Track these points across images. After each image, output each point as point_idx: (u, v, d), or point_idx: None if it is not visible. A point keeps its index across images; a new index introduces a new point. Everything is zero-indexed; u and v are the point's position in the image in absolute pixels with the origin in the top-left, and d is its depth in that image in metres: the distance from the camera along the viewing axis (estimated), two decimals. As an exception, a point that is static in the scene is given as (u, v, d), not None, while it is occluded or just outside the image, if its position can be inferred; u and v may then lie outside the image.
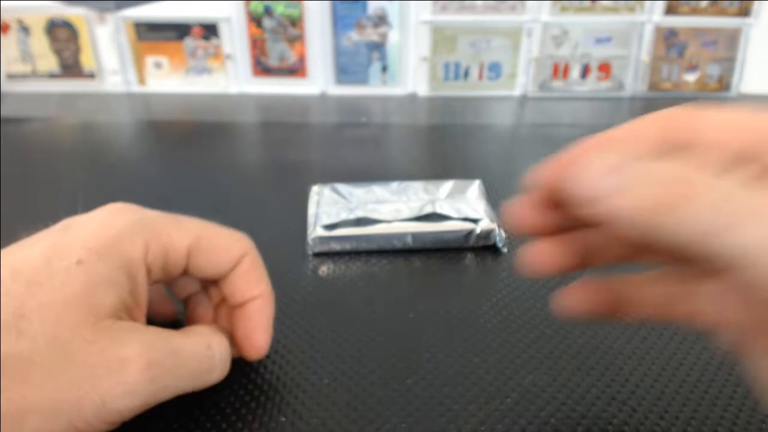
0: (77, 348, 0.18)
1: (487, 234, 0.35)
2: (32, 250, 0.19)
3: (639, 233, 0.15)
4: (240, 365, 0.26)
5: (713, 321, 0.18)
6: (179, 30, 0.76)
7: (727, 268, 0.13)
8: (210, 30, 0.76)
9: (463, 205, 0.37)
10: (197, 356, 0.21)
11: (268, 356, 0.27)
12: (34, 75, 0.75)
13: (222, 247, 0.23)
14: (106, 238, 0.20)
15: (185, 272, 0.23)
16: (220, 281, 0.24)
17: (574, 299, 0.20)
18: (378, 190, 0.39)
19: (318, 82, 0.78)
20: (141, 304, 0.21)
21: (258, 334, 0.24)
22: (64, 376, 0.18)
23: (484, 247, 0.36)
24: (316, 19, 0.74)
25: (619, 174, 0.15)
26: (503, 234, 0.36)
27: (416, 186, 0.40)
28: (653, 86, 0.78)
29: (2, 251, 0.20)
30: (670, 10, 0.73)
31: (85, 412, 0.18)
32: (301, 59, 0.77)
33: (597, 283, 0.20)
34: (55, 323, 0.18)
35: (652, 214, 0.14)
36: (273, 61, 0.77)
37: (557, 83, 0.78)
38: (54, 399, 0.17)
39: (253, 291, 0.24)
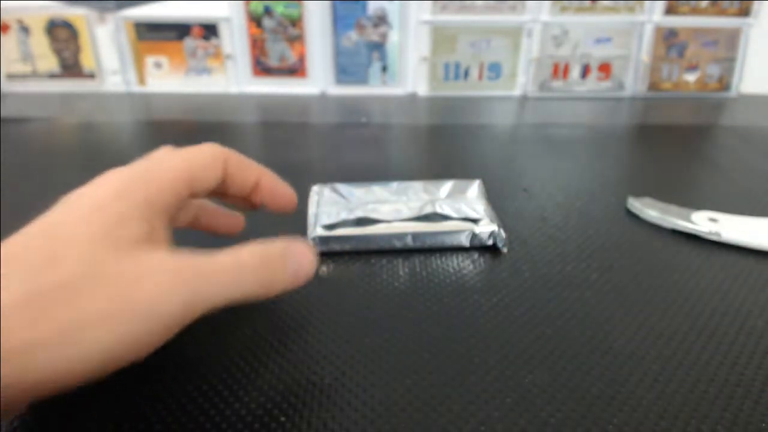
0: (111, 269, 0.20)
1: (487, 234, 0.35)
2: (52, 213, 0.23)
3: None
4: (240, 365, 0.26)
5: None
6: (179, 30, 0.76)
7: None
8: (210, 30, 0.76)
9: (463, 206, 0.37)
10: (241, 264, 0.23)
11: (267, 356, 0.27)
12: (34, 75, 0.75)
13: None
14: (120, 185, 0.23)
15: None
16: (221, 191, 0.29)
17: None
18: (378, 190, 0.39)
19: (318, 82, 0.78)
20: (165, 235, 0.24)
21: (281, 188, 0.30)
22: (107, 288, 0.20)
23: (484, 247, 0.36)
24: (316, 19, 0.74)
25: None
26: (503, 234, 0.36)
27: (416, 186, 0.40)
28: (653, 86, 0.78)
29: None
30: (670, 10, 0.73)
31: (137, 316, 0.20)
32: (301, 59, 0.77)
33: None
34: (87, 253, 0.20)
35: None
36: (273, 61, 0.77)
37: (557, 83, 0.78)
38: (103, 310, 0.19)
39: (254, 172, 0.29)
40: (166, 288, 0.20)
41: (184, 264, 0.22)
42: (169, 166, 0.25)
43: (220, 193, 0.29)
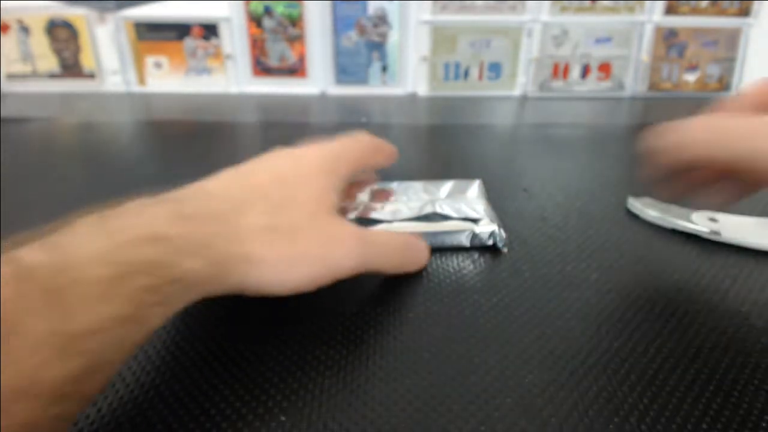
0: (323, 225, 0.27)
1: (487, 234, 0.35)
2: (283, 164, 0.29)
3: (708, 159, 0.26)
4: (240, 366, 0.26)
5: None
6: (179, 30, 0.76)
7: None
8: (210, 30, 0.76)
9: (463, 205, 0.37)
10: (393, 243, 0.31)
11: (267, 356, 0.27)
12: (34, 75, 0.75)
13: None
14: (329, 158, 0.30)
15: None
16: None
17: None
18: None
19: (318, 82, 0.78)
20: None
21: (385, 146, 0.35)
22: (317, 239, 0.27)
23: (484, 247, 0.36)
24: (316, 19, 0.74)
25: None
26: (503, 234, 0.36)
27: (416, 186, 0.40)
28: (653, 86, 0.78)
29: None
30: (670, 10, 0.73)
31: (330, 264, 0.27)
32: (301, 59, 0.77)
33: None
34: (311, 207, 0.27)
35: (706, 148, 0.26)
36: (273, 61, 0.77)
37: (557, 83, 0.78)
38: (312, 253, 0.26)
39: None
40: (351, 250, 0.27)
41: (361, 234, 0.29)
42: (355, 150, 0.32)
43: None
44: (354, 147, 0.32)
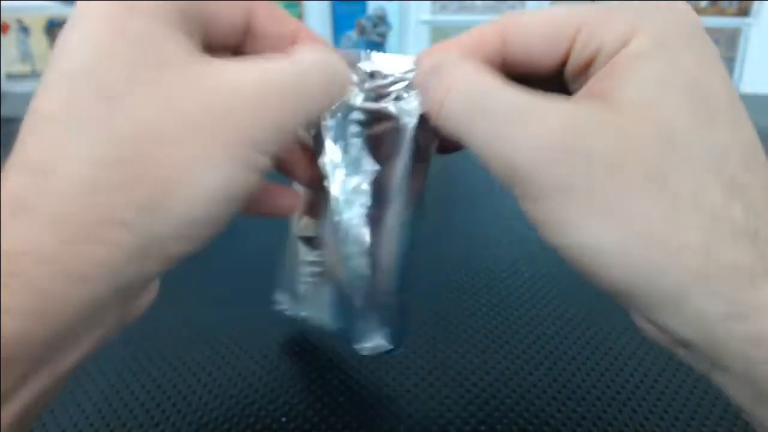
0: (186, 89, 0.15)
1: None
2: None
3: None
4: (240, 365, 0.26)
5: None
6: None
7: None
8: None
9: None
10: (311, 73, 0.17)
11: (267, 356, 0.27)
12: (34, 75, 0.75)
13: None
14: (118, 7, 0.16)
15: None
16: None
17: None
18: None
19: (318, 82, 0.78)
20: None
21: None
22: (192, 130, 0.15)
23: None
24: (316, 19, 0.74)
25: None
26: None
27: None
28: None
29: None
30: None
31: (242, 147, 0.15)
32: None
33: None
34: (138, 80, 0.15)
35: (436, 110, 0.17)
36: (273, 61, 0.77)
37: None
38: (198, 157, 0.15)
39: (290, 25, 0.20)
40: (258, 119, 0.16)
41: (265, 80, 0.16)
42: None
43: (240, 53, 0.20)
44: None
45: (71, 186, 0.14)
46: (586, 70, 0.17)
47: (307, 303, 0.25)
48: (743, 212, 0.14)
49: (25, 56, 0.75)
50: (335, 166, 0.21)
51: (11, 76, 0.76)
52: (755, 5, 0.72)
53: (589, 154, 0.14)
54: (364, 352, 0.22)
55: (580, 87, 0.17)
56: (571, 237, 0.15)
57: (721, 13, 0.73)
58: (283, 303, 0.26)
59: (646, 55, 0.15)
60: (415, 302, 0.30)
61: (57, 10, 0.73)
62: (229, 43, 0.19)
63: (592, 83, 0.16)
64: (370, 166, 0.21)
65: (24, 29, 0.74)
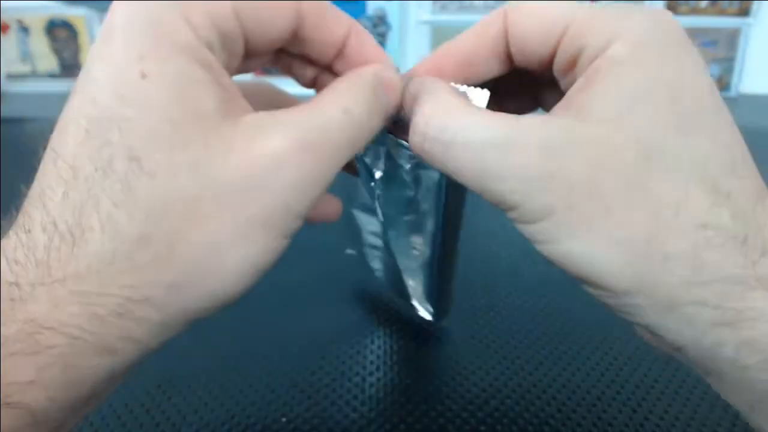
0: (216, 157, 0.14)
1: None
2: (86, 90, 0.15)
3: None
4: (239, 366, 0.26)
5: None
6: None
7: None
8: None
9: None
10: (339, 125, 0.16)
11: (266, 357, 0.27)
12: (34, 75, 0.75)
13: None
14: (146, 33, 0.15)
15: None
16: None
17: None
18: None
19: (318, 82, 0.78)
20: (236, 94, 0.16)
21: (374, 53, 0.19)
22: (230, 210, 0.15)
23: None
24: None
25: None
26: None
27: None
28: (653, 86, 0.78)
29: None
30: (670, 10, 0.73)
31: (276, 217, 0.15)
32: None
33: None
34: (170, 143, 0.14)
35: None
36: (273, 61, 0.77)
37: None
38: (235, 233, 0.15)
39: (343, 24, 0.18)
40: (295, 178, 0.15)
41: (308, 136, 0.15)
42: None
43: (286, 64, 0.20)
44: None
45: (101, 260, 0.13)
46: (571, 68, 0.16)
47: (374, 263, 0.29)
48: (731, 219, 0.14)
49: (25, 56, 0.75)
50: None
51: (11, 76, 0.76)
52: (755, 5, 0.72)
53: (566, 176, 0.14)
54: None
55: (567, 85, 0.17)
56: (563, 254, 0.15)
57: (721, 13, 0.73)
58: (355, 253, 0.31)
59: (624, 62, 0.15)
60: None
61: (57, 10, 0.73)
62: (273, 48, 0.18)
63: (571, 93, 0.16)
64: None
65: (24, 29, 0.74)
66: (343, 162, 0.16)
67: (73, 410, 0.14)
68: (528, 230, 0.16)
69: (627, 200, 0.14)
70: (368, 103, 0.17)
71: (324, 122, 0.16)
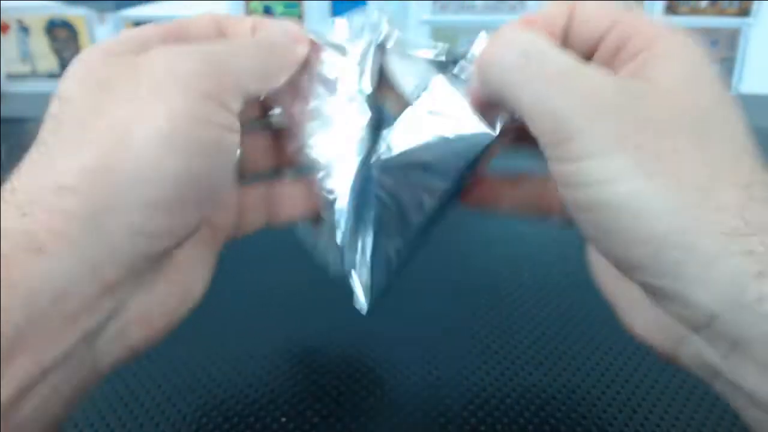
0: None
1: None
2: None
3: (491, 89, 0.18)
4: (239, 366, 0.26)
5: (560, 211, 0.22)
6: (179, 30, 0.75)
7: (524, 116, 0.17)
8: (210, 30, 0.76)
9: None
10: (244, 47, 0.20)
11: (266, 357, 0.27)
12: (34, 75, 0.75)
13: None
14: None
15: None
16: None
17: (473, 195, 0.24)
18: None
19: (318, 82, 0.78)
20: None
21: None
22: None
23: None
24: (316, 19, 0.74)
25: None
26: None
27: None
28: (653, 86, 0.77)
29: None
30: (670, 10, 0.73)
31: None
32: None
33: (485, 182, 0.24)
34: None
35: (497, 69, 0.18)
36: (273, 61, 0.77)
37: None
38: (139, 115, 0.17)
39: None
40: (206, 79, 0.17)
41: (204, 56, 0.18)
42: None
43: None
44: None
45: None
46: (612, 58, 0.18)
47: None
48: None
49: (25, 56, 0.75)
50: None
51: (11, 76, 0.75)
52: (755, 5, 0.72)
53: (638, 116, 0.16)
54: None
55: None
56: (613, 193, 0.16)
57: (721, 13, 0.73)
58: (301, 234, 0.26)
59: (673, 55, 0.17)
60: (415, 303, 0.30)
61: (57, 10, 0.73)
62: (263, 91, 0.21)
63: (626, 72, 0.17)
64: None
65: (24, 29, 0.74)
66: (252, 78, 0.19)
67: (29, 329, 0.14)
68: (579, 168, 0.16)
69: (690, 152, 0.15)
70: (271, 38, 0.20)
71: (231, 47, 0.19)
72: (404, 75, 0.23)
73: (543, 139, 0.17)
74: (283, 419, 0.23)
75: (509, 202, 0.24)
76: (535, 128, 0.17)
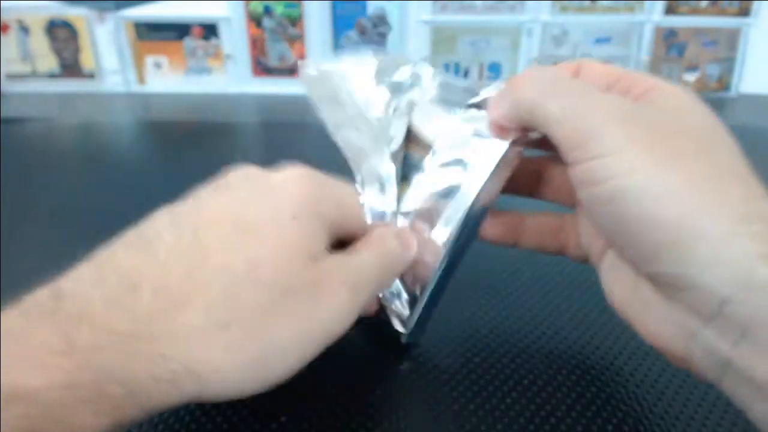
0: (300, 285, 0.20)
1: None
2: (248, 204, 0.21)
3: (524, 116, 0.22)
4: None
5: (575, 245, 0.25)
6: (179, 30, 0.76)
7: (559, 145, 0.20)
8: (210, 30, 0.76)
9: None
10: (377, 265, 0.23)
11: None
12: (34, 75, 0.75)
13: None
14: (311, 198, 0.22)
15: None
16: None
17: (489, 230, 0.26)
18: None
19: (318, 82, 0.78)
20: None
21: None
22: (296, 316, 0.19)
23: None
24: (316, 19, 0.74)
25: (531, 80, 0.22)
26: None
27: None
28: (653, 86, 0.77)
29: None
30: (670, 10, 0.73)
31: (311, 346, 0.20)
32: (301, 59, 0.77)
33: (503, 217, 0.26)
34: (278, 274, 0.19)
35: (530, 100, 0.21)
36: (273, 61, 0.77)
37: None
38: (293, 339, 0.19)
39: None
40: (342, 297, 0.21)
41: (354, 279, 0.21)
42: (353, 194, 0.25)
43: None
44: (346, 194, 0.25)
45: (189, 330, 0.17)
46: None
47: None
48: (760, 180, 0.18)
49: (25, 56, 0.75)
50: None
51: (11, 76, 0.76)
52: (755, 5, 0.72)
53: (649, 124, 0.19)
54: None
55: None
56: (633, 182, 0.18)
57: (721, 13, 0.73)
58: None
59: (672, 93, 0.20)
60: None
61: (57, 10, 0.73)
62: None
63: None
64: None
65: (24, 29, 0.74)
66: (374, 292, 0.23)
67: None
68: (600, 164, 0.18)
69: (696, 156, 0.18)
70: (390, 250, 0.24)
71: (360, 264, 0.22)
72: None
73: (567, 143, 0.20)
74: (283, 419, 0.23)
75: (528, 240, 0.26)
76: (561, 134, 0.20)
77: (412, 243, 0.24)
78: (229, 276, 0.18)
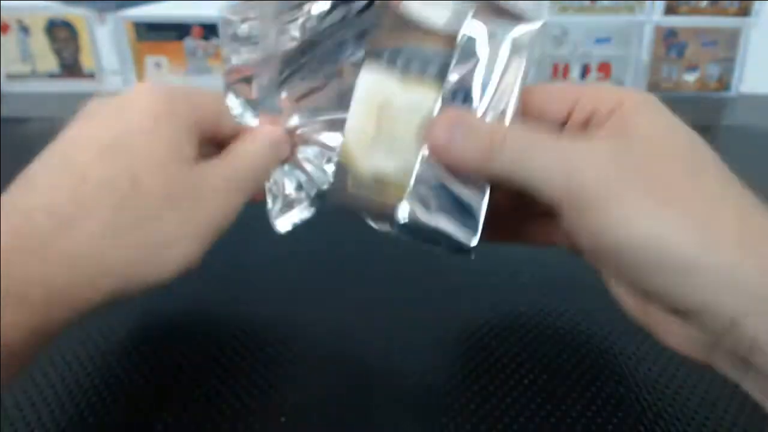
0: (182, 188, 0.21)
1: None
2: (106, 123, 0.22)
3: (476, 171, 0.21)
4: (239, 365, 0.26)
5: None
6: (179, 30, 0.76)
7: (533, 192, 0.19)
8: (210, 30, 0.76)
9: None
10: (250, 166, 0.24)
11: (266, 356, 0.27)
12: (34, 75, 0.75)
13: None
14: (163, 104, 0.22)
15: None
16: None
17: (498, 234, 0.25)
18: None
19: (318, 82, 0.77)
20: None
21: None
22: (179, 215, 0.21)
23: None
24: (316, 19, 0.74)
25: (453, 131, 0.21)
26: None
27: None
28: (653, 86, 0.77)
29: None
30: (670, 10, 0.73)
31: (204, 235, 0.22)
32: (301, 59, 0.77)
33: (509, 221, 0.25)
34: (164, 173, 0.21)
35: (477, 159, 0.20)
36: (273, 61, 0.77)
37: (557, 83, 0.77)
38: (178, 234, 0.21)
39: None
40: (222, 200, 0.22)
41: (229, 173, 0.23)
42: (211, 96, 0.25)
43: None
44: (200, 94, 0.25)
45: (90, 239, 0.19)
46: (584, 127, 0.21)
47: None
48: (753, 198, 0.18)
49: (25, 56, 0.75)
50: None
51: (11, 76, 0.75)
52: (755, 5, 0.72)
53: (635, 164, 0.18)
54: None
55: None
56: (634, 232, 0.18)
57: (721, 13, 0.73)
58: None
59: (642, 110, 0.20)
60: (414, 304, 0.31)
61: (57, 10, 0.73)
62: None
63: (605, 131, 0.20)
64: None
65: (24, 29, 0.73)
66: (256, 183, 0.24)
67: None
68: (591, 217, 0.18)
69: (686, 182, 0.18)
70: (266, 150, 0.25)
71: (244, 166, 0.24)
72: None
73: (553, 201, 0.19)
74: (283, 419, 0.23)
75: (529, 237, 0.26)
76: (544, 195, 0.19)
77: (280, 138, 0.25)
78: (111, 190, 0.20)
